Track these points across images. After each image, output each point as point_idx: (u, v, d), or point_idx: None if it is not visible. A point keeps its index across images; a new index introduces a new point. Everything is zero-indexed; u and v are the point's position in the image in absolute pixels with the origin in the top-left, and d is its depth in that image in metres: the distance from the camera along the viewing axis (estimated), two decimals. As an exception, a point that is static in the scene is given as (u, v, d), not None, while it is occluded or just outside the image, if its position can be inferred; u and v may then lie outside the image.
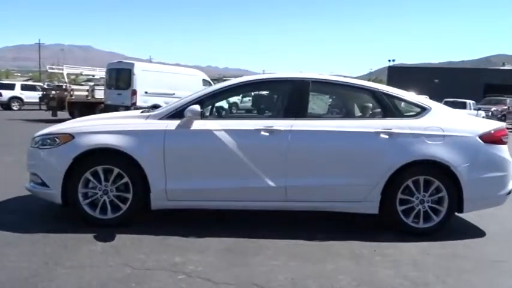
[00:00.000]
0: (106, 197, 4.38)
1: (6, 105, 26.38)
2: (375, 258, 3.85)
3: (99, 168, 4.35)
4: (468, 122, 4.76)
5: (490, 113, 23.87)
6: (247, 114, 5.60)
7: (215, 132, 4.38)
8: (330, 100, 5.47)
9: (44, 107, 20.40)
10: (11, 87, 27.59)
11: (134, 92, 16.07)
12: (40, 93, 22.50)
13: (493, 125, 4.72)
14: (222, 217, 4.85)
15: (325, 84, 5.00)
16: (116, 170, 4.34)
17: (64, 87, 19.46)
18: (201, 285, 3.20)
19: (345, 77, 5.57)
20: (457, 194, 4.44)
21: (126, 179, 4.35)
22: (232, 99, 15.28)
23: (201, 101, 4.56)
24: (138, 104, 15.76)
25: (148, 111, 5.04)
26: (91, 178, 4.35)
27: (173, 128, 4.39)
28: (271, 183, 4.38)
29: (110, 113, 5.82)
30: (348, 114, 5.06)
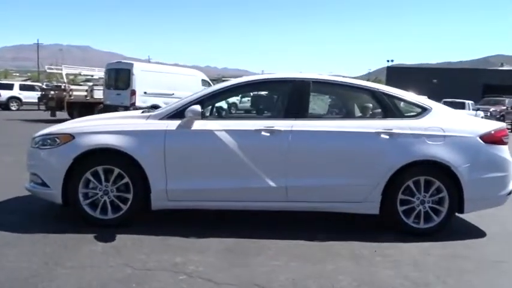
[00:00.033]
0: (106, 197, 4.37)
1: (5, 105, 26.33)
2: (376, 259, 3.85)
3: (100, 169, 4.34)
4: (468, 122, 4.77)
5: (488, 114, 23.91)
6: (247, 114, 5.60)
7: (216, 132, 4.37)
8: (330, 100, 5.47)
9: (42, 107, 20.37)
10: (10, 87, 27.53)
11: (133, 92, 16.05)
12: (39, 93, 22.47)
13: (494, 125, 4.72)
14: (222, 217, 4.84)
15: (326, 85, 5.00)
16: (117, 170, 4.34)
17: (63, 87, 19.43)
18: (202, 286, 3.20)
19: (344, 77, 5.57)
20: (457, 195, 4.44)
21: (126, 179, 4.34)
22: (231, 100, 15.28)
23: (202, 101, 4.56)
24: (137, 104, 15.73)
25: (148, 112, 5.04)
26: (91, 178, 4.35)
27: (174, 128, 4.39)
28: (271, 184, 4.38)
29: (110, 113, 5.81)
30: (349, 115, 5.07)
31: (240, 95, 6.18)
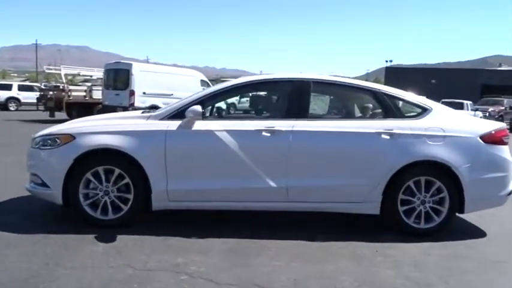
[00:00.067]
0: (107, 197, 4.36)
1: (3, 106, 26.26)
2: (377, 259, 3.86)
3: (100, 169, 4.33)
4: (469, 122, 4.78)
5: (487, 114, 23.94)
6: (248, 114, 5.59)
7: (216, 132, 4.37)
8: (331, 101, 5.47)
9: (41, 107, 20.34)
10: (8, 87, 27.48)
11: (132, 93, 16.02)
12: (37, 93, 22.44)
13: (494, 125, 4.73)
14: (222, 218, 4.84)
15: (326, 85, 5.00)
16: (117, 171, 4.33)
17: (61, 87, 19.40)
18: (203, 286, 3.20)
19: (342, 77, 5.57)
20: (458, 195, 4.45)
21: (127, 180, 4.34)
22: (230, 100, 15.26)
23: (202, 101, 4.56)
24: (136, 104, 15.71)
25: (149, 112, 5.03)
26: (92, 179, 4.34)
27: (174, 128, 4.38)
28: (272, 184, 4.37)
29: (110, 114, 5.80)
30: (349, 115, 5.08)
31: (239, 96, 6.17)
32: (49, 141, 4.45)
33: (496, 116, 23.94)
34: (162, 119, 4.50)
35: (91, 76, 22.93)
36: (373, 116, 4.78)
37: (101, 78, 19.78)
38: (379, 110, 4.73)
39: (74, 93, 19.06)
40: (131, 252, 3.75)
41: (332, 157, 4.44)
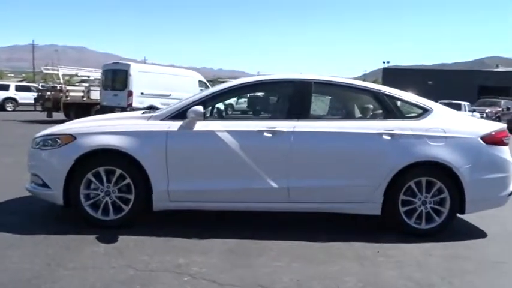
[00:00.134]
0: (108, 198, 4.35)
1: (1, 106, 26.16)
2: (379, 259, 3.86)
3: (101, 169, 4.32)
4: (469, 123, 4.79)
5: (484, 115, 24.00)
6: (249, 115, 5.59)
7: (218, 133, 4.36)
8: (332, 101, 5.48)
9: (39, 108, 20.27)
10: (6, 88, 27.38)
11: (130, 93, 15.97)
12: (35, 94, 22.36)
13: (494, 126, 4.74)
14: (223, 218, 4.84)
15: (328, 85, 5.00)
16: (118, 171, 4.32)
17: (58, 88, 19.34)
18: (206, 287, 3.19)
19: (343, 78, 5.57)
20: (459, 195, 4.46)
21: (128, 180, 4.32)
22: (228, 101, 15.24)
23: (204, 102, 4.56)
24: (134, 105, 15.67)
25: (149, 112, 5.03)
26: (93, 179, 4.33)
27: (175, 129, 4.38)
28: (273, 185, 4.37)
29: (111, 114, 5.79)
30: (350, 116, 5.09)
31: (242, 96, 6.18)
32: (50, 141, 4.44)
33: (493, 117, 24.00)
34: (164, 119, 4.49)
35: (88, 77, 22.88)
36: (374, 117, 4.78)
37: (98, 79, 19.73)
38: (380, 111, 4.74)
39: (71, 94, 19.00)
40: (133, 253, 3.74)
41: (333, 158, 4.44)
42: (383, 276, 3.50)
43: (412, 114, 4.74)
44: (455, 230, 4.70)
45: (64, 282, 3.16)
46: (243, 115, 6.20)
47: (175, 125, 4.39)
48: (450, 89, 41.61)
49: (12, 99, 26.89)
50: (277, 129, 4.39)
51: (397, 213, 4.46)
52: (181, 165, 4.36)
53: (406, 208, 4.48)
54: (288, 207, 4.58)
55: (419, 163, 4.42)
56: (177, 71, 19.02)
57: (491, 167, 4.52)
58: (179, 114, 4.47)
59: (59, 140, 4.39)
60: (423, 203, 4.48)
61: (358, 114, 5.07)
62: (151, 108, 12.74)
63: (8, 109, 26.33)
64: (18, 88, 27.95)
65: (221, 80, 33.45)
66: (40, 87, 22.26)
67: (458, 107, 22.85)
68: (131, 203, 4.34)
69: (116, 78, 16.76)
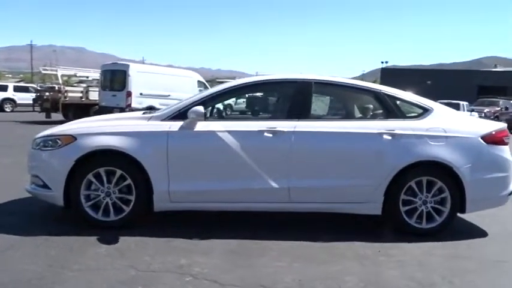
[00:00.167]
0: (109, 199, 4.34)
1: (-1, 107, 26.21)
2: (380, 259, 3.86)
3: (102, 170, 4.31)
4: (470, 123, 4.81)
5: (483, 115, 24.04)
6: (250, 115, 5.60)
7: (218, 133, 4.36)
8: (332, 101, 5.48)
9: (37, 108, 20.25)
10: (4, 88, 27.36)
11: (129, 94, 15.96)
12: (33, 94, 22.33)
13: (495, 125, 4.75)
14: (224, 218, 4.83)
15: (328, 85, 5.00)
16: (119, 172, 4.32)
17: (57, 88, 19.32)
18: (208, 287, 3.19)
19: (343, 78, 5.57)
20: (459, 195, 4.47)
21: (128, 181, 4.32)
22: (227, 101, 15.22)
23: (205, 102, 4.56)
24: (133, 105, 15.66)
25: (150, 113, 5.02)
26: (93, 180, 4.32)
27: (176, 129, 4.37)
28: (274, 185, 4.37)
29: (111, 114, 5.79)
30: (351, 115, 5.09)
31: (242, 96, 6.18)
32: (50, 142, 4.43)
33: (492, 117, 24.05)
34: (164, 119, 4.49)
35: (87, 77, 22.86)
36: (375, 117, 4.78)
37: (97, 79, 19.70)
38: (381, 111, 4.75)
39: (70, 94, 18.98)
40: (134, 254, 3.74)
41: (334, 158, 4.45)
42: (385, 276, 3.50)
43: (413, 114, 4.75)
44: (456, 229, 4.71)
45: (69, 284, 3.15)
46: (243, 115, 6.21)
47: (176, 126, 4.39)
48: (449, 88, 41.65)
49: (11, 100, 26.87)
50: (277, 129, 4.39)
51: (398, 213, 4.46)
52: (182, 165, 4.35)
53: (406, 208, 4.48)
54: (289, 207, 4.58)
55: (420, 163, 4.43)
56: (176, 71, 19.00)
57: (491, 166, 4.53)
58: (180, 114, 4.46)
59: (59, 141, 4.39)
60: (424, 202, 4.49)
61: (358, 114, 5.08)
62: (151, 108, 12.73)
63: (7, 110, 26.31)
64: (17, 89, 27.93)
65: (219, 80, 33.40)
66: (38, 88, 22.23)
67: (457, 107, 22.87)
68: (132, 204, 4.33)
69: (115, 78, 16.75)
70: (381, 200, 4.46)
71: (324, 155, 4.44)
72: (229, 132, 4.37)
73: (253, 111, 5.78)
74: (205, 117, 4.43)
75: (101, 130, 4.42)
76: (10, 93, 27.04)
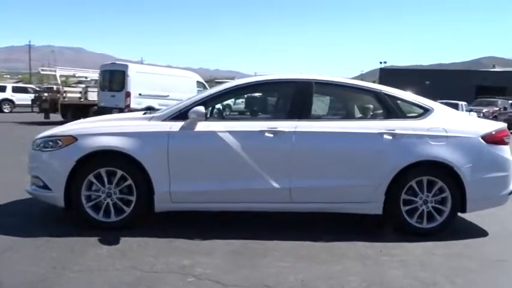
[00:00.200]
0: (109, 199, 4.33)
1: (-3, 108, 26.15)
2: (382, 259, 3.87)
3: (103, 171, 4.31)
4: (470, 122, 4.82)
5: (481, 115, 24.07)
6: (251, 115, 5.60)
7: (219, 133, 4.36)
8: (333, 101, 5.48)
9: (36, 109, 20.22)
10: (2, 89, 27.29)
11: (128, 94, 15.94)
12: (32, 95, 22.31)
13: (495, 125, 4.76)
14: (225, 219, 4.83)
15: (329, 86, 5.00)
16: (120, 172, 4.31)
17: (55, 89, 19.29)
18: (211, 288, 3.19)
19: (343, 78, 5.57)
20: (460, 194, 4.47)
21: (129, 182, 4.31)
22: (225, 101, 15.23)
23: (205, 102, 4.56)
24: (132, 106, 15.65)
25: (151, 113, 5.02)
26: (94, 181, 4.31)
27: (177, 129, 4.37)
28: (275, 185, 4.37)
29: (112, 115, 5.78)
30: (351, 115, 5.09)
31: (243, 96, 6.19)
32: (50, 143, 4.42)
33: (490, 117, 24.08)
34: (165, 120, 4.48)
35: (86, 77, 22.83)
36: (375, 117, 4.79)
37: (95, 80, 19.67)
38: (381, 111, 4.75)
39: (69, 95, 18.96)
40: (136, 255, 3.73)
41: (335, 157, 4.45)
42: (387, 276, 3.50)
43: (413, 114, 4.75)
44: (456, 229, 4.71)
45: (71, 285, 3.15)
46: (244, 115, 6.20)
47: (176, 126, 4.38)
48: (447, 89, 41.68)
49: (9, 101, 26.81)
50: (278, 129, 4.39)
51: (399, 213, 4.47)
52: (183, 166, 4.35)
53: (407, 207, 4.49)
54: (290, 208, 4.58)
55: (421, 162, 4.43)
56: (174, 71, 18.99)
57: (492, 166, 4.54)
58: (181, 114, 4.46)
59: (60, 142, 4.38)
60: (424, 202, 4.50)
61: (359, 114, 5.08)
62: (150, 109, 12.72)
63: (5, 111, 26.27)
64: (15, 89, 27.88)
65: (218, 80, 33.39)
66: (37, 89, 22.20)
67: (455, 107, 22.89)
68: (133, 205, 4.33)
69: (114, 79, 16.72)
70: (381, 199, 4.46)
71: (325, 155, 4.44)
72: (230, 132, 4.37)
73: (254, 111, 5.78)
74: (206, 118, 4.43)
75: (101, 130, 4.42)
76: (9, 94, 27.00)
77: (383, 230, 4.63)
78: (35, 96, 20.86)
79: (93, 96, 18.66)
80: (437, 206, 4.52)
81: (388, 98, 4.73)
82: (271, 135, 4.38)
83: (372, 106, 4.87)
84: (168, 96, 15.85)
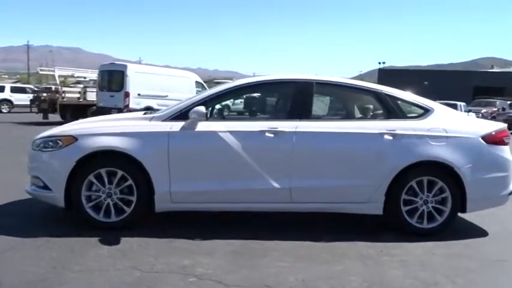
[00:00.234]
0: (110, 199, 4.32)
1: (-4, 108, 26.12)
2: (382, 259, 3.87)
3: (103, 171, 4.30)
4: (470, 123, 4.83)
5: (480, 115, 24.10)
6: (251, 115, 5.60)
7: (220, 133, 4.36)
8: (334, 101, 5.49)
9: (34, 109, 20.19)
10: (1, 89, 27.28)
11: (127, 94, 15.92)
12: (30, 95, 22.28)
13: (495, 126, 4.77)
14: (225, 219, 4.83)
15: (329, 86, 5.00)
16: (120, 173, 4.30)
17: (54, 89, 19.25)
18: (212, 288, 3.19)
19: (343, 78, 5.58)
20: (460, 194, 4.48)
21: (130, 182, 4.30)
22: (224, 102, 15.25)
23: (206, 102, 4.56)
24: (131, 106, 15.63)
25: (151, 113, 5.01)
26: (94, 181, 4.30)
27: (177, 129, 4.36)
28: (276, 185, 4.37)
29: (112, 115, 5.77)
30: (352, 116, 5.10)
31: (244, 96, 6.18)
32: (51, 143, 4.41)
33: (489, 118, 24.11)
34: (165, 120, 4.48)
35: (84, 78, 22.80)
36: (376, 117, 4.79)
37: (94, 80, 19.65)
38: (382, 111, 4.75)
39: (67, 95, 18.95)
40: (137, 255, 3.72)
41: (335, 158, 4.45)
42: (388, 276, 3.50)
43: (413, 114, 4.76)
44: (456, 229, 4.72)
45: (71, 285, 3.14)
46: (244, 115, 6.20)
47: (177, 126, 4.38)
48: (446, 89, 41.70)
49: (8, 101, 26.78)
50: (279, 129, 4.39)
51: (399, 213, 4.47)
52: (184, 166, 4.34)
53: (407, 207, 4.49)
54: (290, 208, 4.58)
55: (421, 163, 4.44)
56: (173, 72, 18.98)
57: (492, 166, 4.55)
58: (181, 114, 4.46)
59: (60, 142, 4.37)
60: (425, 202, 4.50)
61: (359, 114, 5.08)
62: (149, 109, 12.72)
63: (4, 111, 26.25)
64: (14, 90, 27.85)
65: (217, 81, 33.38)
66: (35, 89, 22.17)
67: (454, 108, 22.84)
68: (133, 205, 4.32)
69: (113, 79, 16.71)
70: (382, 200, 4.47)
71: (326, 155, 4.44)
72: (231, 132, 4.37)
73: (255, 111, 5.77)
74: (206, 118, 4.43)
75: (102, 131, 4.41)
76: (7, 94, 26.97)
77: (383, 230, 4.63)
78: (33, 97, 20.83)
79: (92, 96, 18.64)
80: (437, 206, 4.52)
81: (389, 98, 4.73)
82: (272, 135, 4.38)
83: (372, 106, 4.88)
84: (167, 96, 15.85)
